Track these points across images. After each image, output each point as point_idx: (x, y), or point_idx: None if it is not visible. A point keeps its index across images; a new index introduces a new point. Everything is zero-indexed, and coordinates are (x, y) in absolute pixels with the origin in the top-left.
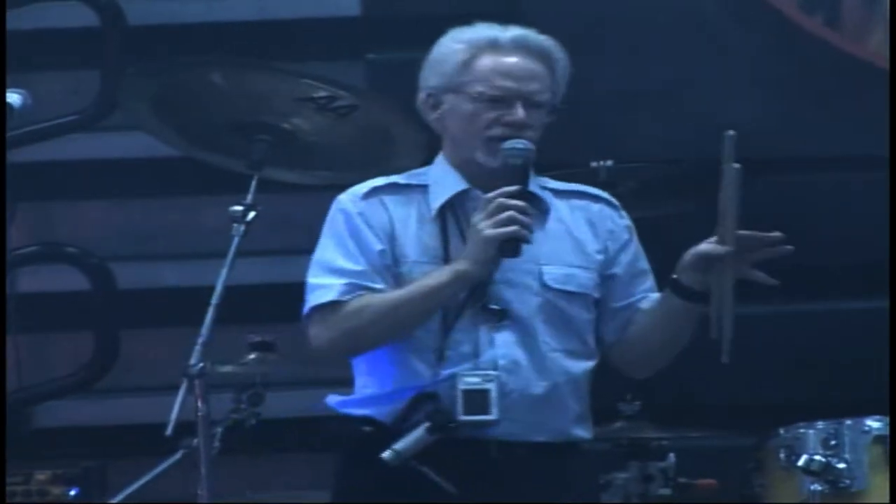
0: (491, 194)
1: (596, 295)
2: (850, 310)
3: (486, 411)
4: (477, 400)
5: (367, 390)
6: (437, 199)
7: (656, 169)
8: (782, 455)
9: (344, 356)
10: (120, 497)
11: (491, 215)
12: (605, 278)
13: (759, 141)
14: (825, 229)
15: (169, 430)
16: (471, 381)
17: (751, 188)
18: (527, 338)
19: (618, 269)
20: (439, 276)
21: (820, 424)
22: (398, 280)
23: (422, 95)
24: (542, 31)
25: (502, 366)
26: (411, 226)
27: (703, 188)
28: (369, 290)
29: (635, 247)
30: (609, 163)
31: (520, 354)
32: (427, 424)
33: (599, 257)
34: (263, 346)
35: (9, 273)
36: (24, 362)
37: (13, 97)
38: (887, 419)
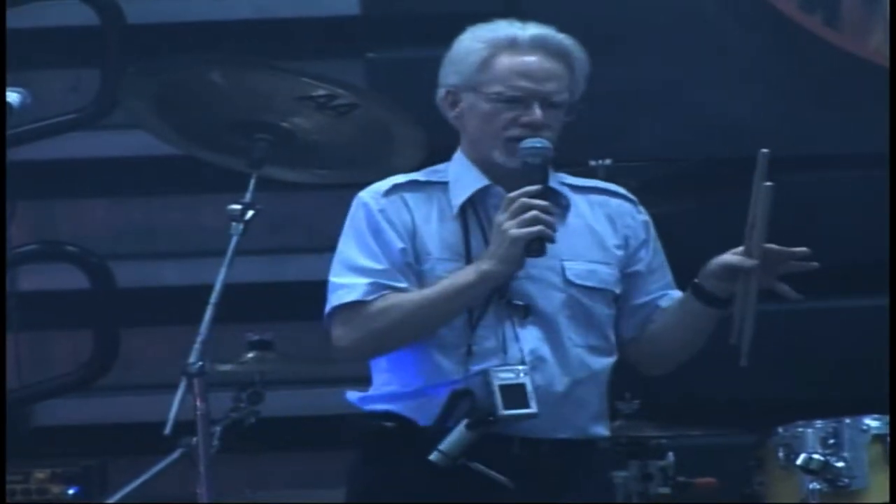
0: (514, 194)
1: (617, 291)
2: (850, 308)
3: (525, 405)
4: (515, 394)
5: (389, 387)
6: (458, 196)
7: (655, 168)
8: (781, 454)
9: (368, 357)
10: (119, 496)
11: (515, 215)
12: (627, 275)
13: (759, 140)
14: (825, 227)
15: (168, 429)
16: (505, 376)
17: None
18: (551, 333)
19: (640, 266)
20: (465, 276)
21: (819, 423)
22: (420, 278)
23: (441, 92)
24: None
25: (528, 361)
26: (433, 223)
27: (703, 187)
28: (393, 289)
29: (654, 242)
30: (608, 161)
31: (545, 350)
32: (466, 421)
33: (619, 253)
34: (262, 345)
35: (9, 271)
36: (23, 361)
37: (12, 96)
38: (886, 418)
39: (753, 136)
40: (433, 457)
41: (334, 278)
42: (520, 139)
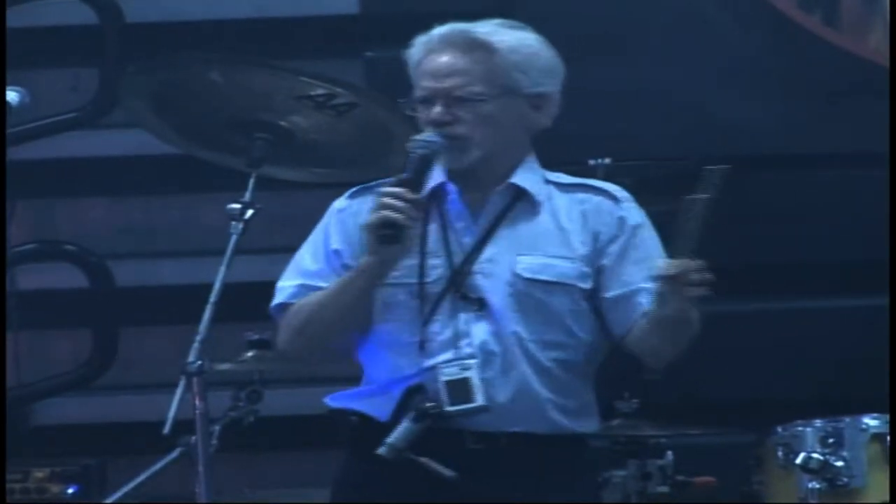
0: (384, 187)
1: (582, 285)
2: (850, 307)
3: (470, 399)
4: (461, 389)
5: (358, 385)
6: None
7: (654, 167)
8: (781, 453)
9: (302, 356)
10: (118, 495)
11: (375, 206)
12: (597, 270)
13: (760, 139)
14: (825, 227)
15: (167, 428)
16: (450, 371)
17: (752, 186)
18: (500, 327)
19: (606, 261)
20: (353, 271)
21: (818, 422)
22: None
23: None
24: (541, 30)
25: (478, 355)
26: None
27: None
28: (320, 290)
29: (632, 238)
30: (607, 161)
31: (494, 344)
32: (412, 414)
33: (584, 248)
34: (261, 344)
35: (8, 270)
36: (22, 359)
37: (11, 95)
38: (886, 417)
39: (753, 136)
40: (381, 450)
41: (279, 280)
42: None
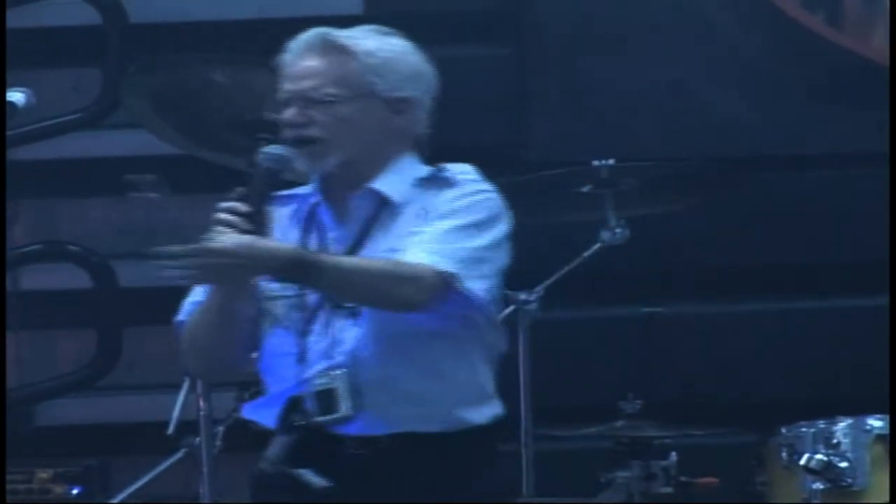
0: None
1: None
2: (851, 308)
3: (335, 409)
4: (326, 399)
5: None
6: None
7: (657, 167)
8: (784, 454)
9: (199, 374)
10: (122, 496)
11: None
12: None
13: (760, 139)
14: (826, 226)
15: (171, 429)
16: (319, 381)
17: (753, 186)
18: (367, 330)
19: None
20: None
21: (821, 423)
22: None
23: None
24: (542, 30)
25: (349, 361)
26: (286, 235)
27: (704, 186)
28: None
29: (435, 213)
30: (610, 161)
31: (362, 348)
32: (282, 426)
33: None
34: None
35: (11, 271)
36: (25, 360)
37: (17, 96)
38: (888, 418)
39: (754, 136)
40: (261, 464)
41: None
42: (286, 140)
